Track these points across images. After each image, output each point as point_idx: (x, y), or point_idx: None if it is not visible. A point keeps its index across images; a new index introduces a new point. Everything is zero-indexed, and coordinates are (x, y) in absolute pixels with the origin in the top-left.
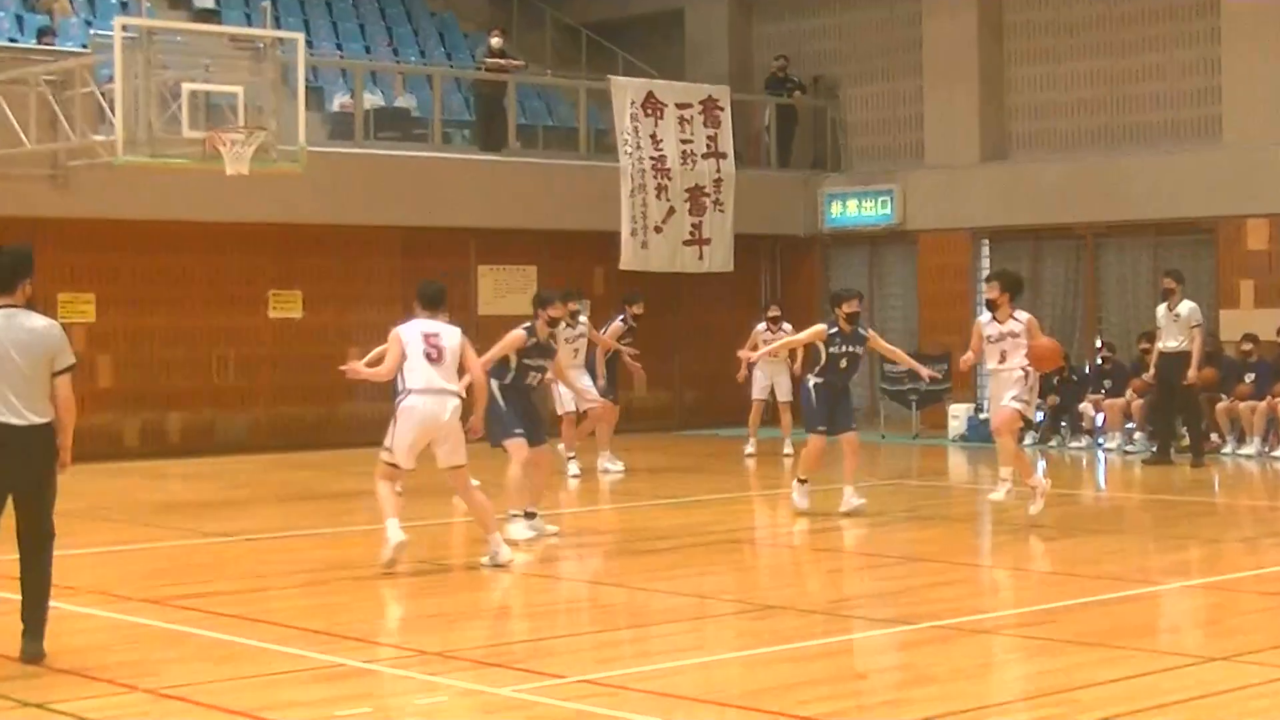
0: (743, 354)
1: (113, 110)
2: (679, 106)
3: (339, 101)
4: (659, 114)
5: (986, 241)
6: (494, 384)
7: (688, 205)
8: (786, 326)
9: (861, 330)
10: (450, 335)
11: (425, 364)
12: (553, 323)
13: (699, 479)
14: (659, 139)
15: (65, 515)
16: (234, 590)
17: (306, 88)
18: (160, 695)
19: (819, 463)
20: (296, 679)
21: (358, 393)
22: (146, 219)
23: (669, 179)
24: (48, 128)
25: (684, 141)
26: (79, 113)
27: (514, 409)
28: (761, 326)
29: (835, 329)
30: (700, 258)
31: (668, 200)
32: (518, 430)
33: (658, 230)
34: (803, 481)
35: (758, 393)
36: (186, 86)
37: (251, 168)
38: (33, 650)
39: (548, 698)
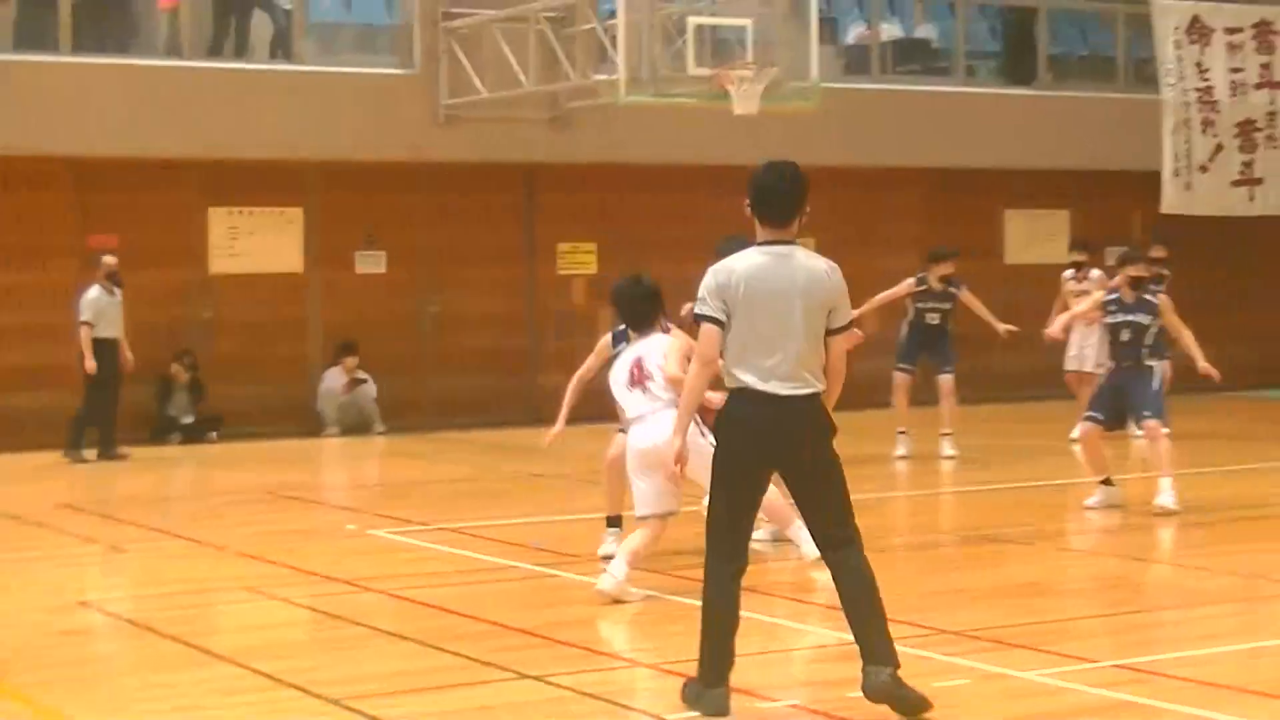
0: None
1: (615, 48)
2: (1228, 31)
3: (855, 33)
4: (1206, 40)
5: None
6: None
7: (1238, 141)
8: (1095, 274)
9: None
10: None
11: None
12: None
13: (1249, 445)
14: (1206, 67)
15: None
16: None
17: (820, 19)
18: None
19: None
20: (803, 656)
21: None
22: (651, 163)
23: (1217, 112)
24: (548, 68)
25: (1234, 70)
26: (580, 51)
27: None
28: (1068, 274)
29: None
30: (1251, 199)
31: (1215, 136)
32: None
33: (1204, 170)
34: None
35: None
36: (692, 20)
37: (762, 106)
38: (877, 681)
39: (1077, 683)
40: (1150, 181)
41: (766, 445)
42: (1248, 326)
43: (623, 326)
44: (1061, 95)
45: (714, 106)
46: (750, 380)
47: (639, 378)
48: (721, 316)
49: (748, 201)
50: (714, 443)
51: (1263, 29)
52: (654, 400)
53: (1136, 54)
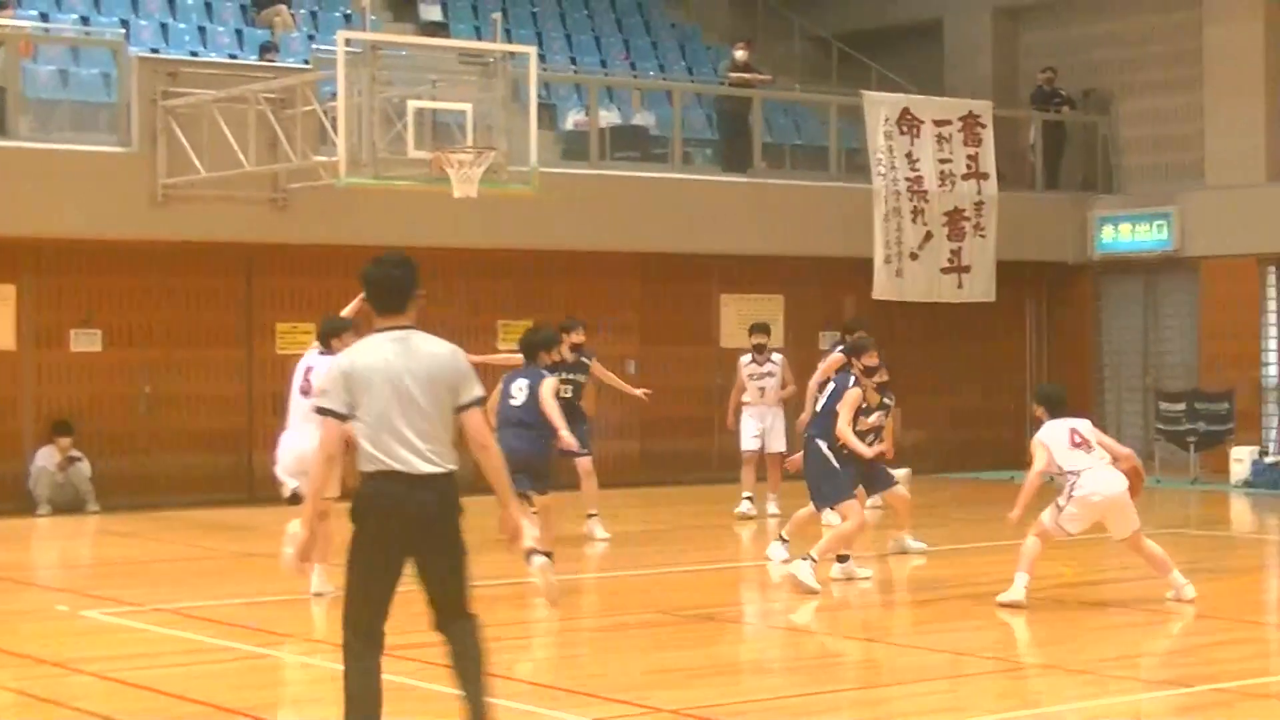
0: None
1: (335, 129)
2: (937, 123)
3: (573, 119)
4: (915, 131)
5: (1275, 269)
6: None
7: (946, 230)
8: (777, 358)
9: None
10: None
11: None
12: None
13: (960, 527)
14: (915, 158)
15: None
16: None
17: (539, 104)
18: None
19: None
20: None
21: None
22: (369, 244)
23: (926, 201)
24: (268, 148)
25: (942, 161)
26: (300, 132)
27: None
28: (745, 359)
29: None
30: (959, 286)
31: (924, 224)
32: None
33: (913, 257)
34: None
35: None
36: (412, 104)
37: (481, 190)
38: None
39: None
40: (862, 268)
41: (398, 523)
42: (956, 409)
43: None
44: (775, 183)
45: (433, 190)
46: (381, 461)
47: None
48: (342, 409)
49: (363, 294)
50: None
51: (970, 121)
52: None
53: (849, 143)
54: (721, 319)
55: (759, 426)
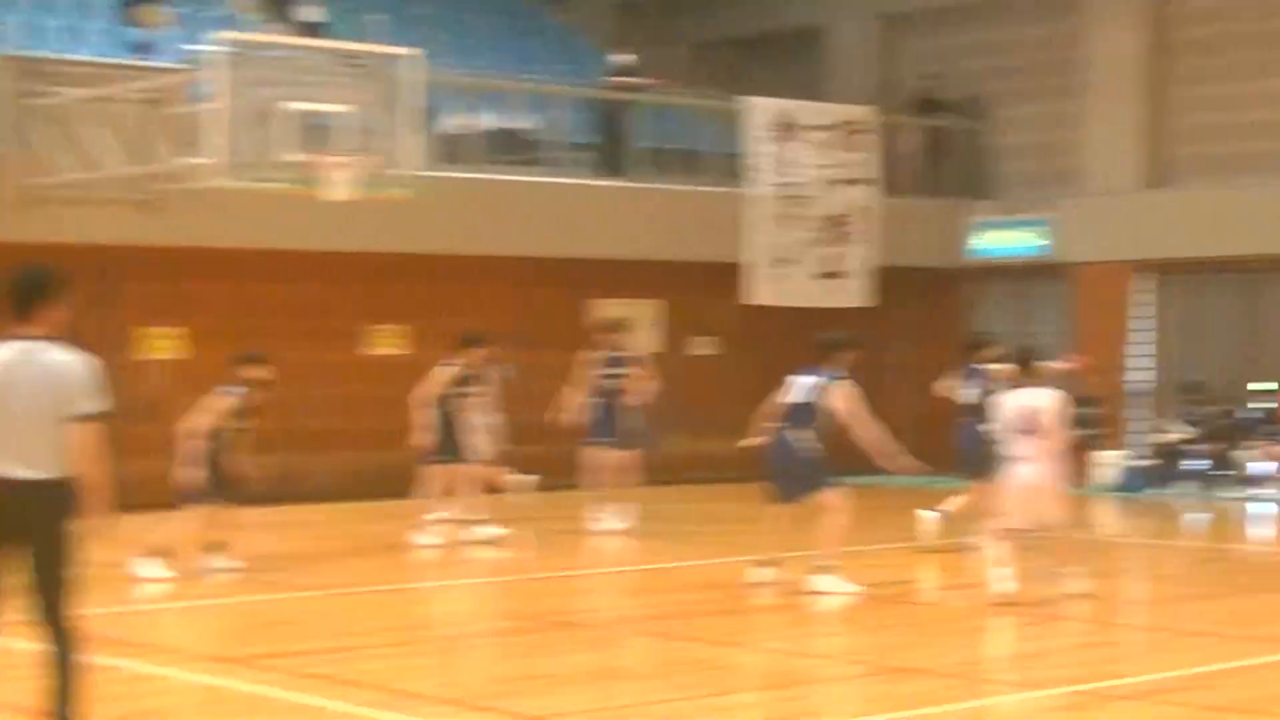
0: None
1: (206, 131)
2: (818, 129)
3: (452, 122)
4: (794, 137)
5: (1148, 275)
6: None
7: (824, 236)
8: (631, 358)
9: None
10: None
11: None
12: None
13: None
14: (795, 164)
15: None
16: (321, 649)
17: (417, 107)
18: None
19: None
20: None
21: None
22: (242, 247)
23: (803, 207)
24: (139, 150)
25: (822, 167)
26: (172, 134)
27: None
28: (595, 357)
29: None
30: (837, 292)
31: (802, 230)
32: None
33: (791, 263)
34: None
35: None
36: (288, 106)
37: (357, 194)
38: None
39: None
40: (741, 273)
41: (3, 525)
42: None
43: None
44: (655, 187)
45: (308, 193)
46: None
47: None
48: None
49: None
50: None
51: (851, 128)
52: None
53: (727, 148)
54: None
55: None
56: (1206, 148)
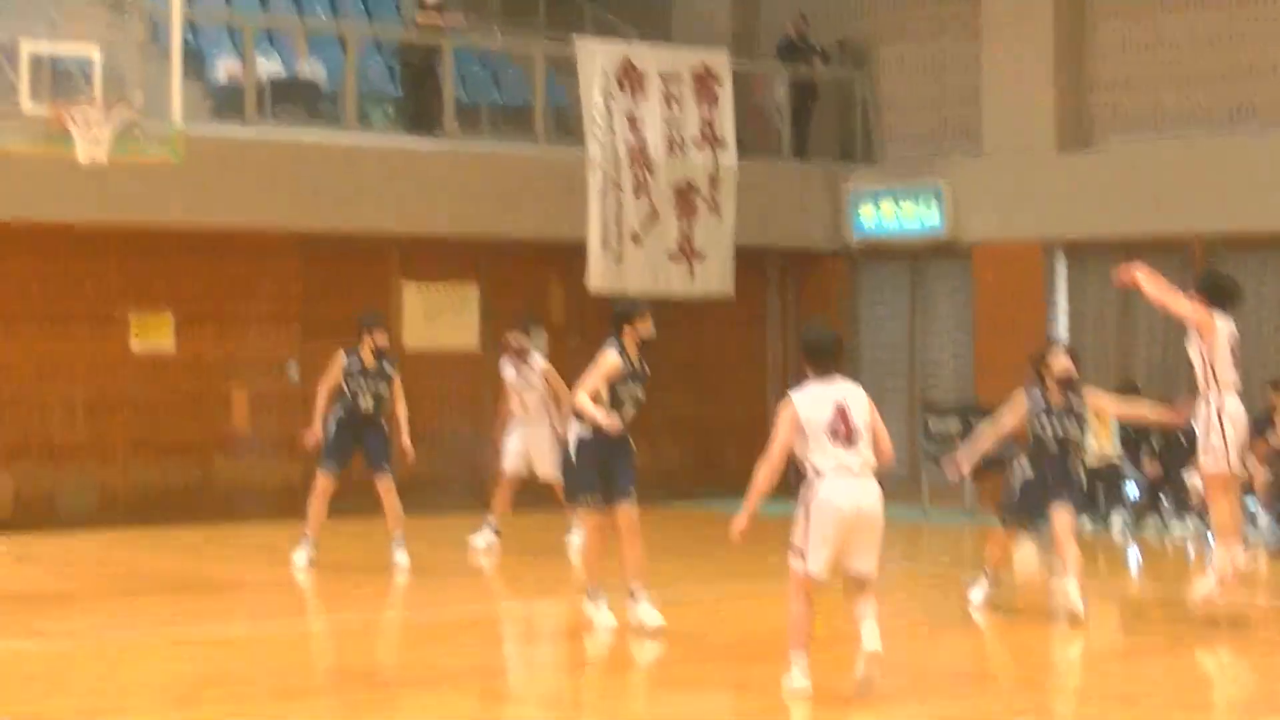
0: None
1: None
2: (665, 78)
3: (225, 69)
4: (639, 87)
5: (1062, 256)
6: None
7: (675, 207)
8: (537, 361)
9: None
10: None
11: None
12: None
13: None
14: (639, 120)
15: None
16: (77, 711)
17: (184, 51)
18: None
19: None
20: None
21: (242, 449)
22: None
23: (651, 173)
24: None
25: (670, 123)
26: None
27: None
28: (504, 363)
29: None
30: (691, 276)
31: (649, 200)
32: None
33: (635, 240)
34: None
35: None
36: (27, 47)
37: (112, 154)
38: None
39: None
40: (574, 253)
41: None
42: (689, 423)
43: None
44: (470, 148)
45: (54, 153)
46: None
47: None
48: None
49: None
50: None
51: (704, 77)
52: None
53: (558, 101)
54: (405, 311)
55: (522, 445)
56: (1132, 99)
